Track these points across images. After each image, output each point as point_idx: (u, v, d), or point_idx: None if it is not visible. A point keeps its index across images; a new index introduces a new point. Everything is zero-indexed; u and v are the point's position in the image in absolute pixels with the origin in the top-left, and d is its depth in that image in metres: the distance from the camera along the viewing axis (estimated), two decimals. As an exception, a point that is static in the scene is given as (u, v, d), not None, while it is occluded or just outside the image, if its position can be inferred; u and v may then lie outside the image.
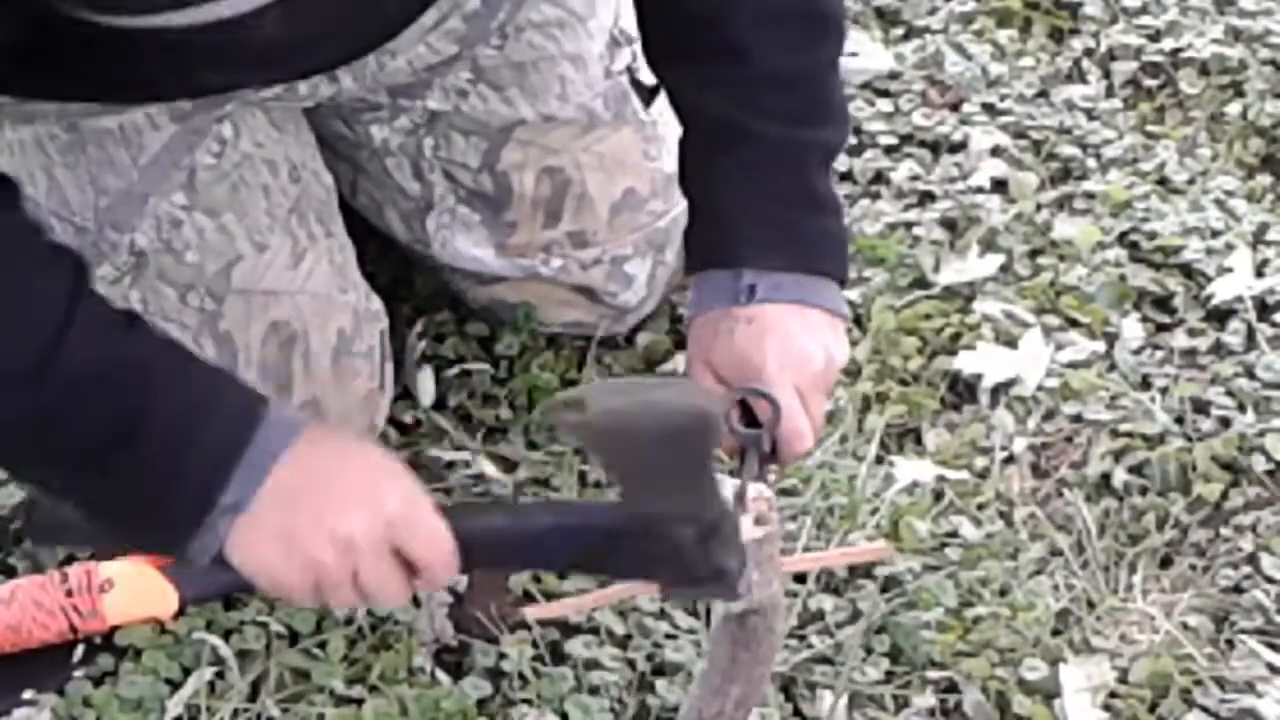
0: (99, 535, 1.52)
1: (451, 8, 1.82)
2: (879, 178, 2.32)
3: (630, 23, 1.71)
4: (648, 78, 1.91)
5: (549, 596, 1.78)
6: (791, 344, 1.55)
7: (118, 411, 1.37)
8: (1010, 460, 1.96)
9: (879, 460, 1.93)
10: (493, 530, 1.45)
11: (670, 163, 1.77)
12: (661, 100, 1.90)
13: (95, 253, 1.72)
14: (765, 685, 1.53)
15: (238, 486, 1.38)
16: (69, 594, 1.70)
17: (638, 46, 1.71)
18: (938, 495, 1.90)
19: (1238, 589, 1.84)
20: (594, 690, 1.69)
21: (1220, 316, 2.13)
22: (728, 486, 1.41)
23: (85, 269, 1.41)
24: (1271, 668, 1.76)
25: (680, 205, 1.80)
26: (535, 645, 1.72)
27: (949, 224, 2.24)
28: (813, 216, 1.62)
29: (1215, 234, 2.22)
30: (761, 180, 1.60)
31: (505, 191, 1.92)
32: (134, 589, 1.72)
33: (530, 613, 1.54)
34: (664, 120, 1.89)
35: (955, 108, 2.42)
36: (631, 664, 1.72)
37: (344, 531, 1.38)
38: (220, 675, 1.69)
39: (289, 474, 1.39)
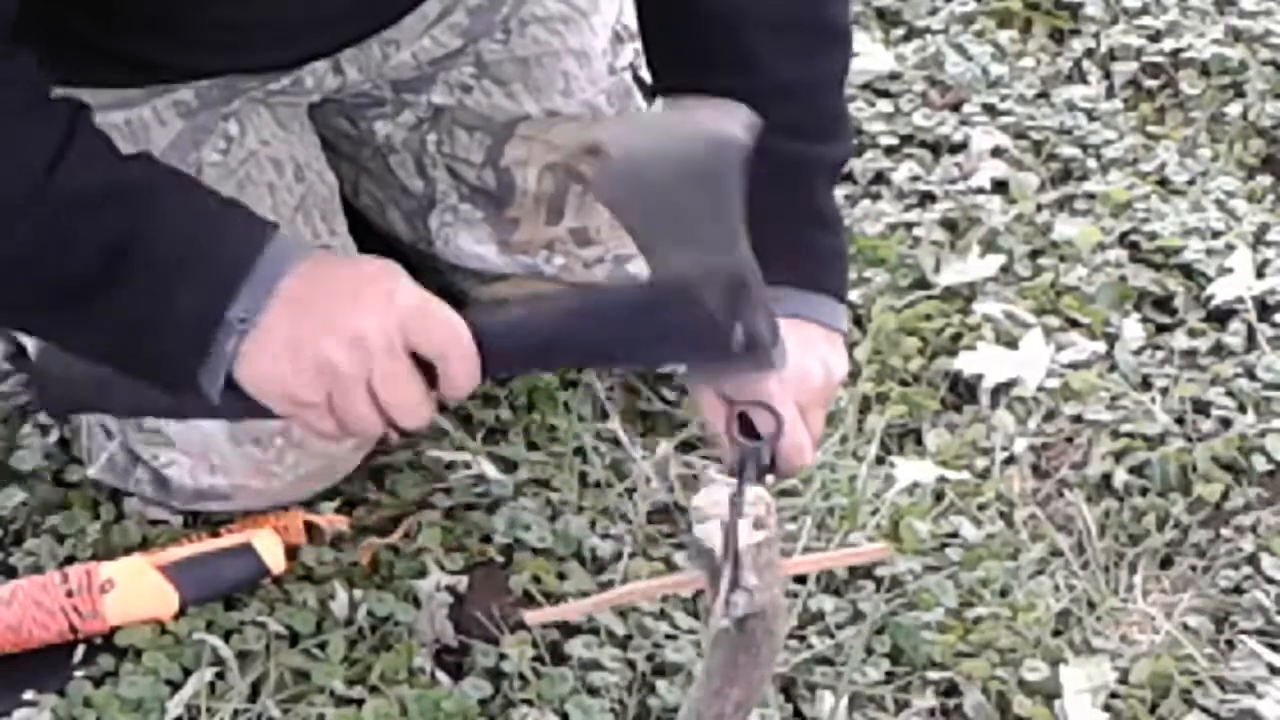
0: (108, 386, 1.47)
1: (455, 1, 1.83)
2: (879, 178, 2.32)
3: (633, 20, 1.71)
4: (649, 75, 1.91)
5: (549, 597, 1.78)
6: (801, 366, 1.55)
7: (119, 231, 1.37)
8: (1011, 461, 1.96)
9: (879, 461, 1.93)
10: (511, 322, 1.39)
11: None
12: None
13: None
14: (765, 688, 1.53)
15: (245, 300, 1.38)
16: (69, 594, 1.71)
17: (640, 44, 1.70)
18: (938, 496, 1.90)
19: (1238, 590, 1.84)
20: (594, 691, 1.69)
21: (1221, 317, 2.13)
22: (725, 489, 1.41)
23: (86, 109, 1.42)
24: (1272, 668, 1.76)
25: None
26: (535, 645, 1.72)
27: (949, 224, 2.24)
28: (815, 233, 1.61)
29: (1216, 234, 2.22)
30: (763, 194, 1.58)
31: (508, 188, 1.92)
32: (134, 589, 1.72)
33: (531, 617, 1.54)
34: None
35: (956, 108, 2.42)
36: (631, 664, 1.72)
37: (355, 327, 1.37)
38: (220, 675, 1.69)
39: (297, 284, 1.39)
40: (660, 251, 1.33)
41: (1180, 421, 1.99)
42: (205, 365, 1.39)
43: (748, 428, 1.53)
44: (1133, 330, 2.11)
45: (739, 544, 1.39)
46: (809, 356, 1.57)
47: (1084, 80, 2.50)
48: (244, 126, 1.78)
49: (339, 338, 1.37)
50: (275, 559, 1.76)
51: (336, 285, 1.40)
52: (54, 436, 1.91)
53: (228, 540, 1.77)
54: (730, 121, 1.35)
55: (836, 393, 1.65)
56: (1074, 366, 2.06)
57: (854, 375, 2.01)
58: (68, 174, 1.37)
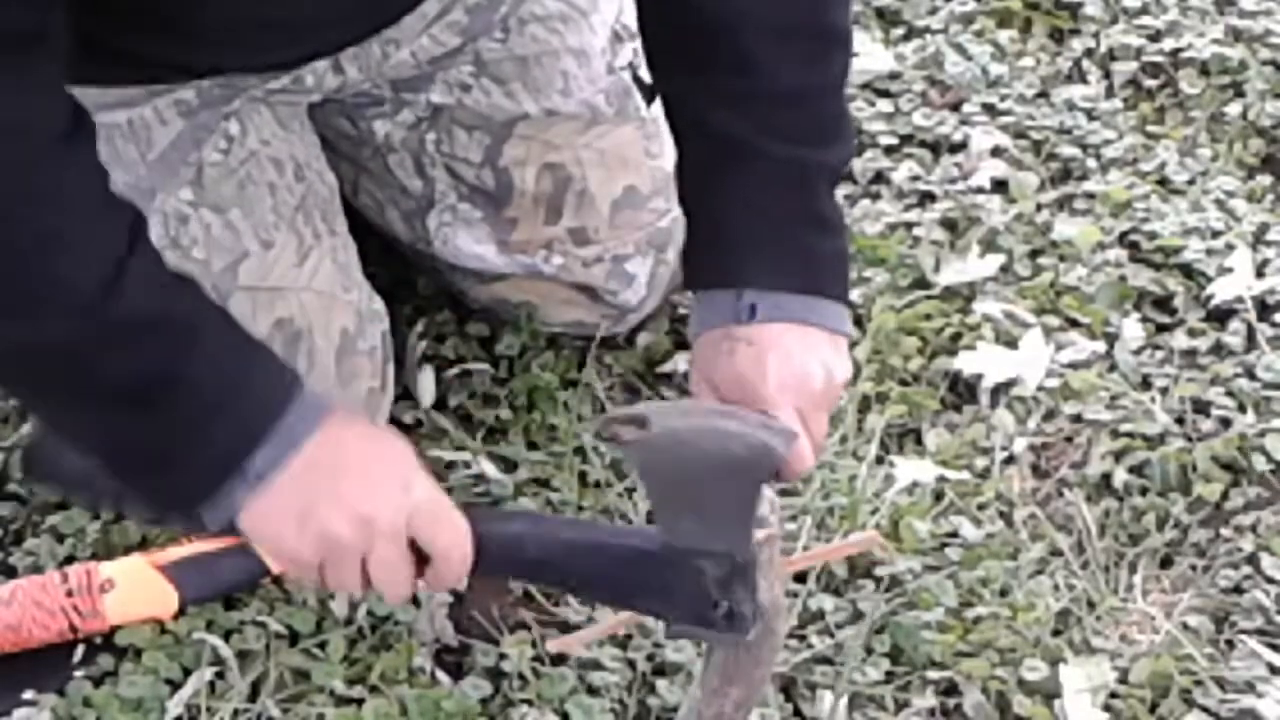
0: (100, 484, 1.51)
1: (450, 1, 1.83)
2: (879, 178, 2.32)
3: (632, 19, 1.71)
4: (649, 75, 1.91)
5: (549, 597, 1.78)
6: (792, 364, 1.55)
7: (160, 361, 1.39)
8: (1010, 460, 1.96)
9: (879, 460, 1.93)
10: (510, 535, 1.46)
11: (671, 161, 1.77)
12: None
13: None
14: (765, 687, 1.54)
15: (266, 453, 1.40)
16: (69, 594, 1.71)
17: (639, 44, 1.70)
18: (938, 495, 1.90)
19: (1238, 589, 1.84)
20: (594, 690, 1.69)
21: (1220, 317, 2.13)
22: None
23: (143, 217, 1.44)
24: (1272, 668, 1.76)
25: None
26: (535, 645, 1.72)
27: (949, 224, 2.24)
28: (816, 237, 1.60)
29: (1215, 234, 2.22)
30: (765, 200, 1.58)
31: (506, 188, 1.92)
32: (134, 589, 1.72)
33: (554, 645, 1.55)
34: (665, 118, 1.89)
35: (955, 108, 2.42)
36: (631, 664, 1.72)
37: (366, 510, 1.40)
38: (220, 675, 1.69)
39: (318, 450, 1.41)
40: (675, 520, 1.41)
41: (1180, 421, 1.99)
42: (211, 505, 1.42)
43: None
44: (1133, 330, 2.11)
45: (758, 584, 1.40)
46: (811, 360, 1.56)
47: (1084, 80, 2.50)
48: (245, 126, 1.78)
49: (348, 516, 1.41)
50: (275, 558, 1.76)
51: (354, 460, 1.44)
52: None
53: (227, 539, 1.76)
54: (773, 436, 1.43)
55: (840, 396, 1.65)
56: (1074, 366, 2.06)
57: (854, 375, 2.01)
58: (123, 295, 1.38)
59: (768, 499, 1.41)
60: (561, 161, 1.92)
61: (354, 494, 1.41)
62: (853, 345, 2.02)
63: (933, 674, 1.73)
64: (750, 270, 1.57)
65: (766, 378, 1.53)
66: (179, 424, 1.40)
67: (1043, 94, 2.45)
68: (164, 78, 1.72)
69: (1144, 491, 1.93)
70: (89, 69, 1.58)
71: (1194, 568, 1.87)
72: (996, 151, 2.34)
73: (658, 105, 1.90)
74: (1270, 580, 1.84)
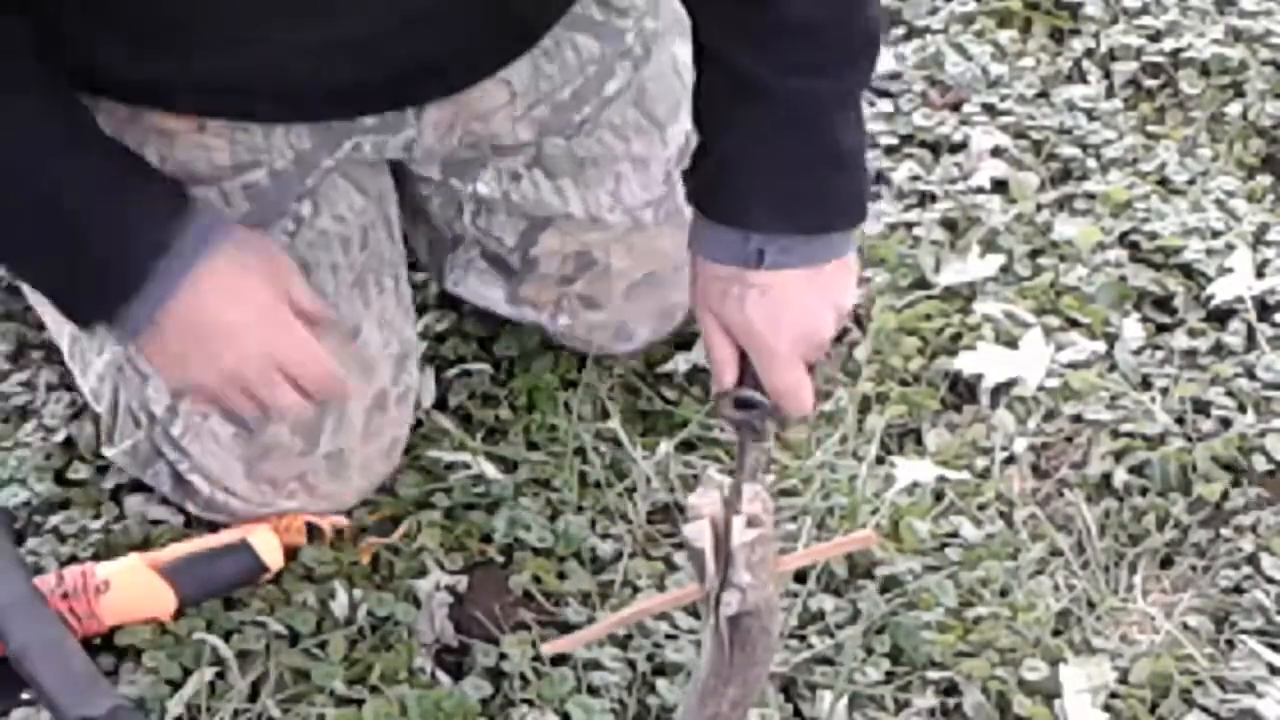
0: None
1: (542, 95, 1.80)
2: (879, 178, 2.32)
3: None
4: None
5: (549, 597, 1.78)
6: (806, 319, 1.55)
7: (36, 194, 1.51)
8: (1011, 460, 1.96)
9: (879, 460, 1.93)
10: None
11: None
12: None
13: None
14: (761, 687, 1.54)
15: (138, 309, 1.54)
16: (65, 596, 1.70)
17: None
18: (938, 495, 1.90)
19: (1238, 589, 1.84)
20: (594, 690, 1.69)
21: (1220, 317, 2.13)
22: (720, 489, 1.41)
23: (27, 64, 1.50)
24: (1272, 668, 1.76)
25: None
26: (535, 645, 1.72)
27: (949, 224, 2.24)
28: (829, 171, 1.56)
29: (1215, 234, 2.22)
30: (777, 139, 1.54)
31: (530, 267, 1.90)
32: (131, 591, 1.72)
33: (547, 648, 1.55)
34: None
35: (956, 108, 2.42)
36: (631, 664, 1.72)
37: (231, 364, 1.58)
38: (220, 675, 1.69)
39: (188, 300, 1.55)
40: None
41: (1180, 421, 1.99)
42: (109, 323, 1.56)
43: (745, 405, 1.55)
44: (1133, 330, 2.11)
45: (732, 542, 1.39)
46: (822, 306, 1.57)
47: (1084, 80, 2.49)
48: (318, 206, 1.75)
49: (218, 370, 1.58)
50: (273, 557, 1.76)
51: (217, 310, 1.57)
52: (58, 436, 1.91)
53: (224, 538, 1.77)
54: None
55: (845, 323, 1.65)
56: (1074, 366, 2.06)
57: (854, 375, 2.01)
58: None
59: (761, 498, 1.41)
60: (589, 250, 1.89)
61: (221, 349, 1.57)
62: (853, 345, 2.03)
63: (933, 674, 1.73)
64: (757, 215, 1.55)
65: (779, 332, 1.54)
66: (60, 264, 1.51)
67: (1043, 94, 2.45)
68: (231, 109, 1.69)
69: (1144, 491, 1.93)
70: (165, 98, 1.62)
71: (1194, 568, 1.86)
72: (996, 151, 2.34)
73: None
74: (1270, 580, 1.84)
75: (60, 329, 1.87)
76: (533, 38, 1.76)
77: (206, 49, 1.56)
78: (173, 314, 1.55)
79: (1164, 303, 2.16)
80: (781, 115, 1.54)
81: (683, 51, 1.80)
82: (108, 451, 1.84)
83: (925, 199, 2.28)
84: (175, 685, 1.68)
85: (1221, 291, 2.14)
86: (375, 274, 1.81)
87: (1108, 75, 2.50)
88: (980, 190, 2.29)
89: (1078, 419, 2.00)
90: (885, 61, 2.47)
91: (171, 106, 1.66)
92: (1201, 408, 2.01)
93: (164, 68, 1.60)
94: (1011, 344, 2.07)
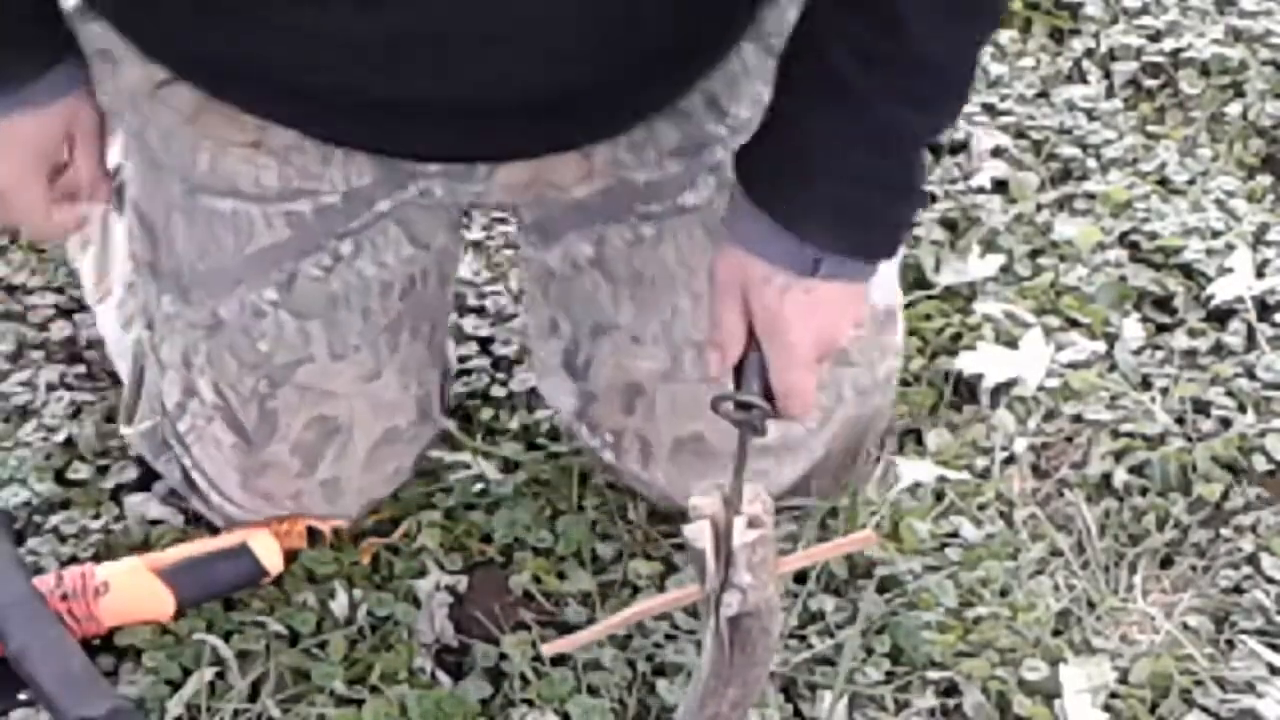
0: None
1: (618, 169, 1.70)
2: (879, 178, 2.31)
3: None
4: None
5: (549, 597, 1.78)
6: (832, 325, 1.55)
7: None
8: (1011, 460, 1.96)
9: (879, 460, 1.93)
10: None
11: None
12: None
13: (181, 290, 1.73)
14: (761, 687, 1.53)
15: None
16: (64, 597, 1.70)
17: None
18: (938, 495, 1.90)
19: (1238, 589, 1.84)
20: (594, 690, 1.69)
21: (1220, 317, 2.13)
22: (721, 488, 1.41)
23: None
24: (1272, 668, 1.76)
25: None
26: (535, 645, 1.72)
27: (949, 224, 2.24)
28: (892, 202, 1.54)
29: (1215, 234, 2.22)
30: (855, 156, 1.49)
31: (582, 370, 1.82)
32: (130, 592, 1.72)
33: (547, 649, 1.55)
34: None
35: (956, 108, 2.42)
36: (631, 664, 1.72)
37: None
38: (220, 675, 1.69)
39: None
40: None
41: (1180, 421, 1.99)
42: None
43: (745, 406, 1.54)
44: (1133, 330, 2.11)
45: (733, 543, 1.39)
46: (850, 318, 1.57)
47: (1084, 80, 2.50)
48: (360, 248, 1.71)
49: None
50: (272, 560, 1.76)
51: None
52: (58, 436, 1.91)
53: (224, 541, 1.77)
54: None
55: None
56: (1074, 366, 2.06)
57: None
58: None
59: (761, 499, 1.41)
60: (640, 381, 1.80)
61: None
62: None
63: (933, 674, 1.73)
64: (823, 232, 1.51)
65: (806, 333, 1.52)
66: None
67: (1043, 94, 2.45)
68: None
69: (1144, 491, 1.93)
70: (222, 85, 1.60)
71: (1194, 568, 1.86)
72: (997, 151, 2.34)
73: None
74: (1270, 580, 1.84)
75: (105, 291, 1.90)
76: (627, 126, 1.67)
77: (271, 29, 1.51)
78: None
79: (1164, 303, 2.16)
80: (866, 134, 1.49)
81: None
82: (125, 430, 1.85)
83: (926, 199, 2.28)
84: (175, 685, 1.68)
85: (1221, 291, 2.14)
86: (413, 321, 1.78)
87: (1108, 75, 2.50)
88: (980, 190, 2.29)
89: (1078, 419, 2.00)
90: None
91: (228, 92, 1.63)
92: (1201, 408, 2.01)
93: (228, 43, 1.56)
94: (1011, 344, 2.07)
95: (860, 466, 1.89)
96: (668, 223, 1.73)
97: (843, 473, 1.87)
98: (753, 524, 1.39)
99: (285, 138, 1.65)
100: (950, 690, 1.73)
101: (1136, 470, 1.94)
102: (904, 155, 1.53)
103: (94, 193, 1.68)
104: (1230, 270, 2.16)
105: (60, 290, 2.11)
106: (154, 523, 1.84)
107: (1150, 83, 2.50)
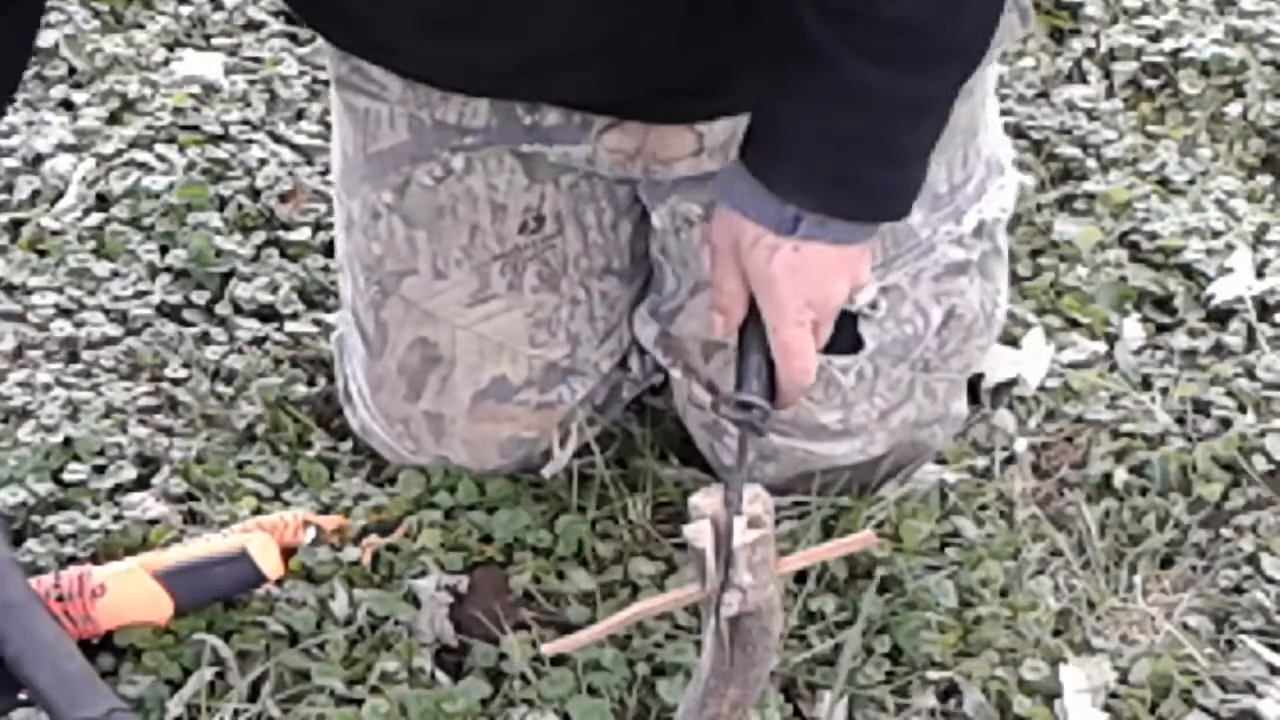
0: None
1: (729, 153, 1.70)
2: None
3: None
4: None
5: (549, 597, 1.78)
6: (824, 285, 1.55)
7: None
8: (1011, 460, 1.96)
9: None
10: None
11: None
12: None
13: (345, 189, 1.84)
14: (761, 687, 1.53)
15: None
16: (61, 599, 1.70)
17: None
18: (939, 495, 1.90)
19: (1238, 589, 1.84)
20: (594, 690, 1.69)
21: (1221, 317, 2.13)
22: (723, 487, 1.41)
23: None
24: (1272, 668, 1.76)
25: None
26: (535, 645, 1.72)
27: (949, 224, 2.23)
28: (875, 165, 1.54)
29: (1216, 234, 2.22)
30: (833, 118, 1.51)
31: (666, 317, 1.85)
32: (127, 596, 1.71)
33: (547, 649, 1.54)
34: None
35: (956, 108, 2.41)
36: (631, 664, 1.72)
37: None
38: (220, 675, 1.69)
39: None
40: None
41: (1180, 421, 1.99)
42: None
43: (746, 406, 1.54)
44: (1133, 330, 2.11)
45: (733, 543, 1.39)
46: (841, 279, 1.57)
47: (1084, 80, 2.50)
48: (472, 165, 1.77)
49: None
50: (271, 566, 1.75)
51: None
52: (56, 436, 1.91)
53: (223, 545, 1.76)
54: None
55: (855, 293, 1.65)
56: (1074, 366, 2.06)
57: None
58: None
59: (761, 499, 1.41)
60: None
61: None
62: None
63: (933, 674, 1.73)
64: (798, 191, 1.53)
65: (796, 294, 1.54)
66: None
67: (1043, 94, 2.45)
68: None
69: (1144, 491, 1.93)
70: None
71: (1194, 568, 1.86)
72: (997, 151, 2.34)
73: None
74: (1270, 580, 1.84)
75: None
76: (734, 109, 1.68)
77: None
78: None
79: (1164, 303, 2.16)
80: (842, 96, 1.50)
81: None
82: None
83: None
84: (175, 686, 1.68)
85: (1221, 291, 2.14)
86: (542, 266, 1.80)
87: (1108, 75, 2.50)
88: (980, 190, 2.28)
89: (1078, 419, 2.00)
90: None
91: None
92: (1201, 408, 2.01)
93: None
94: (1012, 344, 2.07)
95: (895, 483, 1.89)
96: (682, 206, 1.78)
97: (880, 483, 1.89)
98: (753, 524, 1.39)
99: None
100: (950, 690, 1.72)
101: (1137, 470, 1.94)
102: (876, 115, 1.52)
103: None
104: (1230, 270, 2.16)
105: (60, 290, 2.11)
106: (152, 522, 1.84)
107: (1150, 83, 2.50)
